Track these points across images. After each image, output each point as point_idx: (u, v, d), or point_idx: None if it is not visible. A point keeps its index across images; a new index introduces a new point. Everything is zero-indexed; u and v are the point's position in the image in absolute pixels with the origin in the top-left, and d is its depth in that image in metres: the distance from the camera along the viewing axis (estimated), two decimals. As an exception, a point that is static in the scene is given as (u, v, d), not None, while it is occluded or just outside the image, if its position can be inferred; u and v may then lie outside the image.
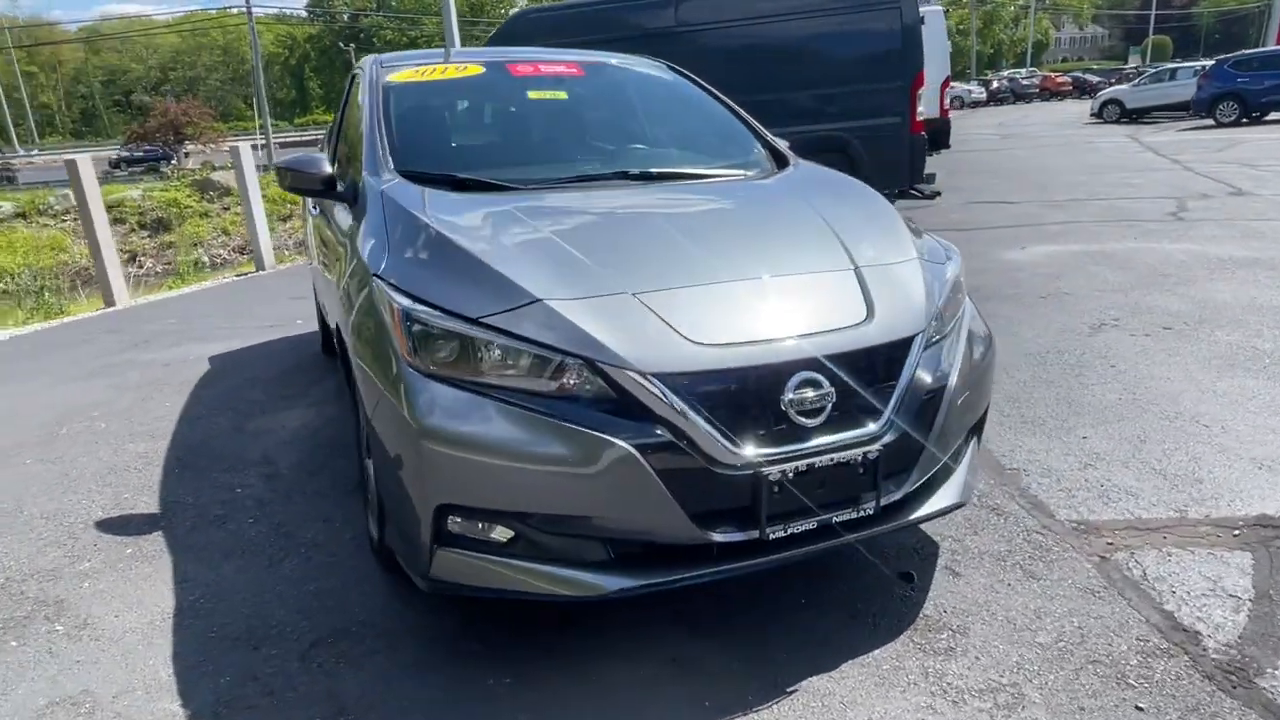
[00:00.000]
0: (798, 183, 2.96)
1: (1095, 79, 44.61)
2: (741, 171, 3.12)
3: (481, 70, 3.35)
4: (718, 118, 3.53)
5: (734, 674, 2.14)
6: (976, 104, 44.44)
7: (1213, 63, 23.23)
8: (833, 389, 2.00)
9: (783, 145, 3.46)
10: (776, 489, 1.96)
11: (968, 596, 2.46)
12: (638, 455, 1.87)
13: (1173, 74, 27.20)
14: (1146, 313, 5.22)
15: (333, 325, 3.09)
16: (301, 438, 3.79)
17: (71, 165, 7.81)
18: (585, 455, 1.88)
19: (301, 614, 2.46)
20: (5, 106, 69.17)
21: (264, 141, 39.20)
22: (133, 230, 23.75)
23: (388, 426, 2.13)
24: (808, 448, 1.99)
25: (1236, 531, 2.74)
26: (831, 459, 2.01)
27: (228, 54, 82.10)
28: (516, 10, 9.76)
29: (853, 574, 2.58)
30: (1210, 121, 21.88)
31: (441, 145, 3.07)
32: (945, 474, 2.36)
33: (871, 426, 2.07)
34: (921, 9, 11.16)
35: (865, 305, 2.20)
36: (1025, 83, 47.93)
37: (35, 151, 56.68)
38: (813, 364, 2.01)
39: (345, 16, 79.74)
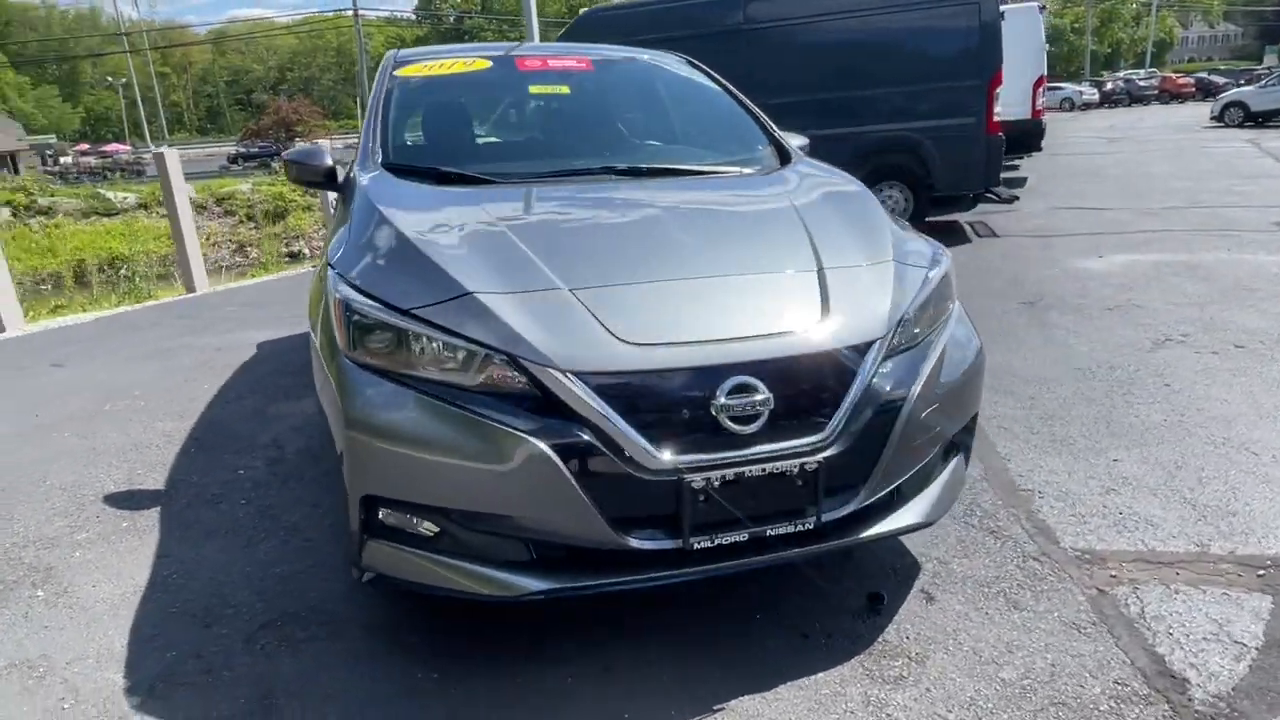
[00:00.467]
0: (787, 181, 2.84)
1: (1221, 80, 41.74)
2: (737, 168, 3.02)
3: (489, 65, 3.36)
4: (726, 113, 3.42)
5: (663, 687, 2.06)
6: (1088, 106, 42.21)
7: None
8: (770, 395, 1.90)
9: (793, 142, 3.33)
10: (702, 498, 1.87)
11: (937, 623, 2.31)
12: (553, 455, 1.82)
13: (1308, 74, 25.20)
14: (1220, 329, 4.82)
15: None
16: (314, 424, 3.88)
17: (160, 159, 8.28)
18: (502, 452, 1.84)
19: (260, 596, 2.51)
20: (140, 105, 74.25)
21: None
22: (241, 222, 25.12)
23: (329, 416, 2.15)
24: (737, 456, 1.89)
25: (1261, 572, 2.48)
26: (764, 469, 1.90)
27: (340, 55, 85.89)
28: (586, 9, 9.79)
29: (817, 591, 2.45)
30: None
31: (434, 139, 3.09)
32: (911, 491, 2.21)
33: (813, 437, 1.95)
34: (1008, 5, 10.68)
35: (820, 308, 2.08)
36: (1142, 84, 45.21)
37: (164, 147, 60.60)
38: (748, 368, 1.91)
39: (451, 18, 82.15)
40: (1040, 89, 12.51)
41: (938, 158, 8.33)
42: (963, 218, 9.64)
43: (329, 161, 3.00)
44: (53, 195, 27.41)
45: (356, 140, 3.26)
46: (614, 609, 2.36)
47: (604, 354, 1.88)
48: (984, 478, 3.19)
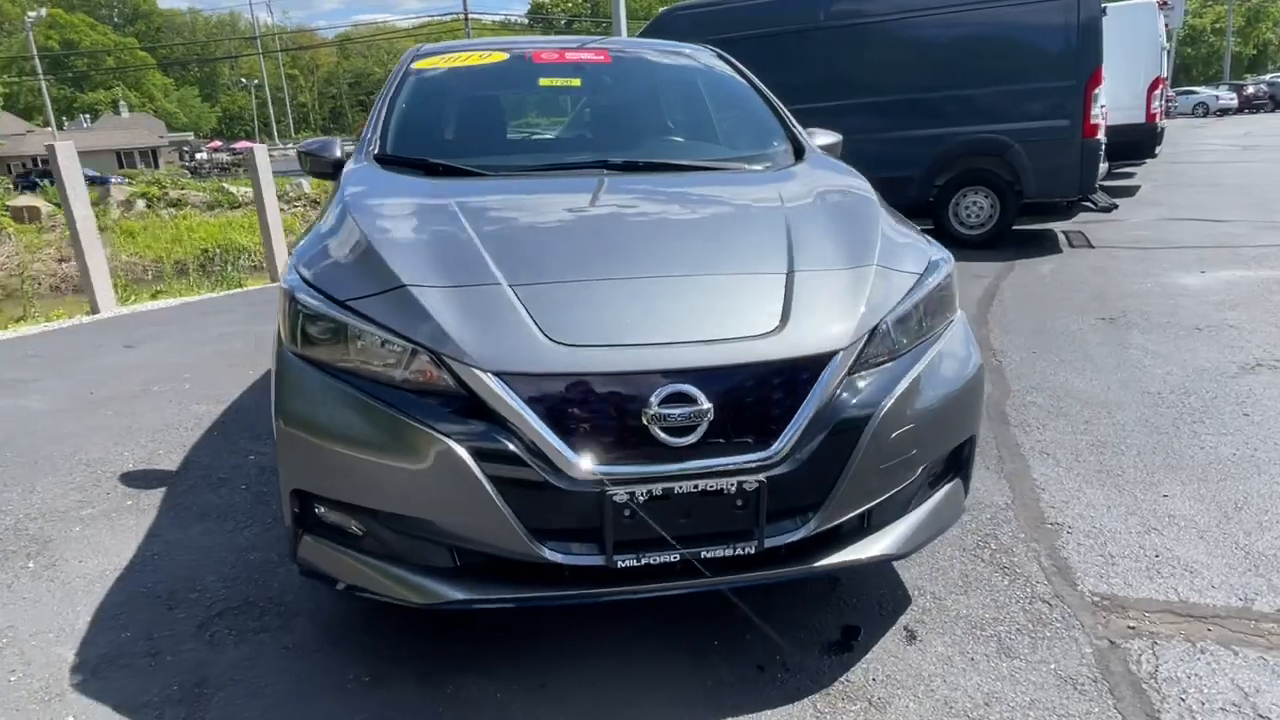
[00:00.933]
0: (788, 179, 2.65)
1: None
2: (740, 164, 2.85)
3: (505, 58, 3.30)
4: (744, 109, 3.25)
5: (591, 711, 1.93)
6: (1224, 111, 39.20)
7: None
8: (710, 406, 1.74)
9: (819, 140, 3.13)
10: (627, 513, 1.74)
11: (912, 665, 2.09)
12: (468, 458, 1.72)
13: None
14: (1323, 356, 4.31)
15: None
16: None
17: (250, 154, 8.64)
18: (420, 453, 1.76)
19: (227, 582, 2.51)
20: (270, 105, 78.77)
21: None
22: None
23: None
24: (666, 471, 1.74)
25: (1312, 635, 2.15)
26: (696, 486, 1.75)
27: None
28: (665, 8, 9.71)
29: (791, 619, 2.27)
30: None
31: (432, 130, 3.04)
32: (883, 518, 2.01)
33: (757, 454, 1.78)
34: (1117, 1, 9.98)
35: (781, 315, 1.90)
36: (1289, 87, 41.71)
37: (290, 145, 64.01)
38: (687, 376, 1.76)
39: (562, 22, 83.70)
40: (1157, 91, 11.66)
41: (1028, 162, 7.83)
42: (1059, 226, 9.05)
43: (339, 153, 3.00)
44: (183, 188, 29.30)
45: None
46: (569, 620, 2.25)
47: (530, 354, 1.77)
48: (1010, 506, 2.91)
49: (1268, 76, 47.93)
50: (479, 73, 3.23)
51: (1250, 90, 42.14)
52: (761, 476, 1.76)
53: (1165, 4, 12.25)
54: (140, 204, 27.64)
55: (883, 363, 1.96)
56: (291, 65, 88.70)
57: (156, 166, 49.09)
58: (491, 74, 3.26)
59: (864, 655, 2.13)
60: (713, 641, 2.18)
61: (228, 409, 4.11)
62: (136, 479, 3.29)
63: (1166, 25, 12.33)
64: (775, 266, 2.05)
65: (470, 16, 52.86)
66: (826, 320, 1.91)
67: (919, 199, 8.28)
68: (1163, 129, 12.77)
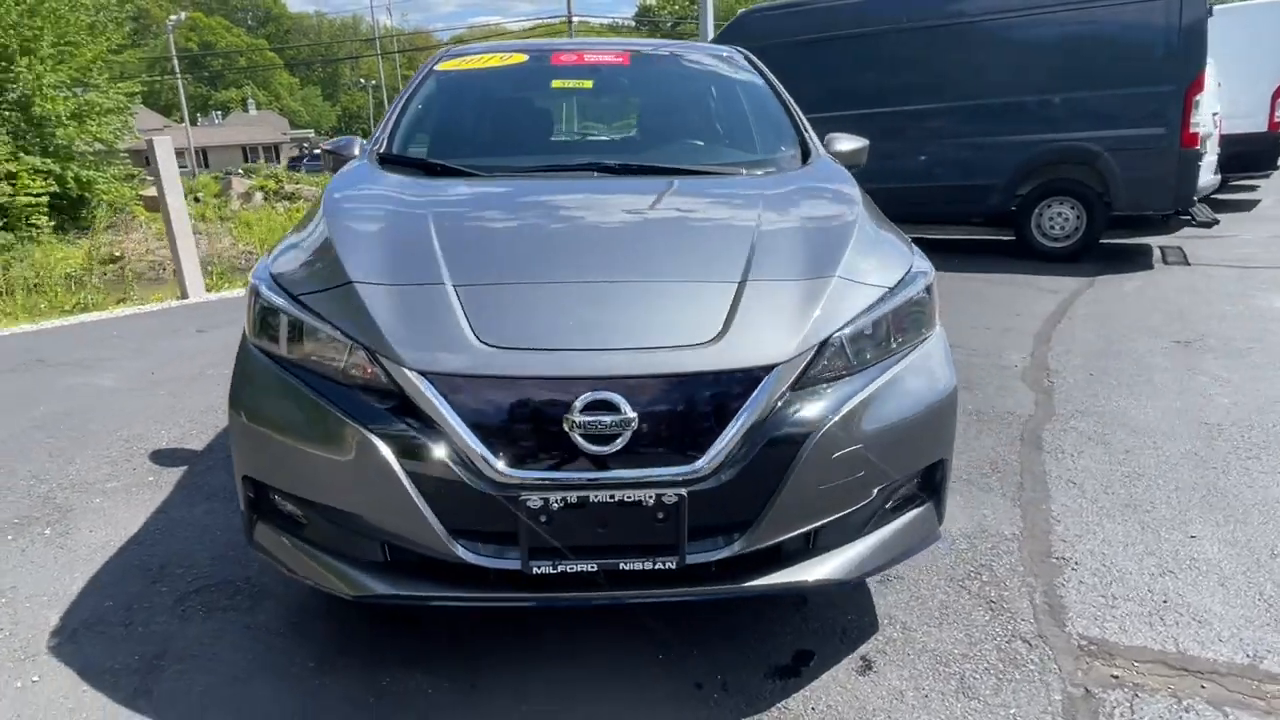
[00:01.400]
0: (777, 184, 2.56)
1: None
2: (736, 169, 2.77)
3: (524, 59, 3.32)
4: (759, 113, 3.16)
5: (501, 715, 1.93)
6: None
7: None
8: (635, 416, 1.71)
9: (840, 146, 3.01)
10: (543, 519, 1.72)
11: (859, 698, 1.99)
12: (389, 454, 1.74)
13: None
14: None
15: None
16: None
17: (150, 145, 8.36)
18: (346, 446, 1.79)
19: (214, 560, 2.62)
20: (386, 104, 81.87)
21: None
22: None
23: None
24: (582, 479, 1.71)
25: (1320, 702, 1.94)
26: (613, 496, 1.71)
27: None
28: (744, 10, 9.60)
29: (744, 638, 2.19)
30: None
31: (435, 131, 3.09)
32: (830, 541, 1.92)
33: (682, 468, 1.73)
34: (1232, 3, 9.29)
35: (722, 325, 1.84)
36: None
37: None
38: (611, 383, 1.72)
39: (669, 24, 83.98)
40: (1281, 98, 10.77)
41: (1118, 172, 7.36)
42: (1156, 241, 8.47)
43: (358, 152, 3.09)
44: (297, 183, 30.89)
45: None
46: (529, 626, 2.24)
47: (456, 355, 1.77)
48: (1016, 537, 2.74)
49: None
50: (495, 74, 3.27)
51: None
52: (682, 490, 1.71)
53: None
54: (258, 197, 29.26)
55: (836, 378, 1.87)
56: (408, 66, 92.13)
57: (278, 161, 51.98)
58: (507, 76, 3.29)
59: (810, 682, 2.04)
60: (658, 655, 2.13)
61: (266, 394, 4.29)
62: (164, 457, 3.47)
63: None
64: (729, 275, 1.99)
65: (577, 19, 53.63)
66: (769, 332, 1.84)
67: (1000, 207, 7.92)
68: (1285, 138, 11.80)
